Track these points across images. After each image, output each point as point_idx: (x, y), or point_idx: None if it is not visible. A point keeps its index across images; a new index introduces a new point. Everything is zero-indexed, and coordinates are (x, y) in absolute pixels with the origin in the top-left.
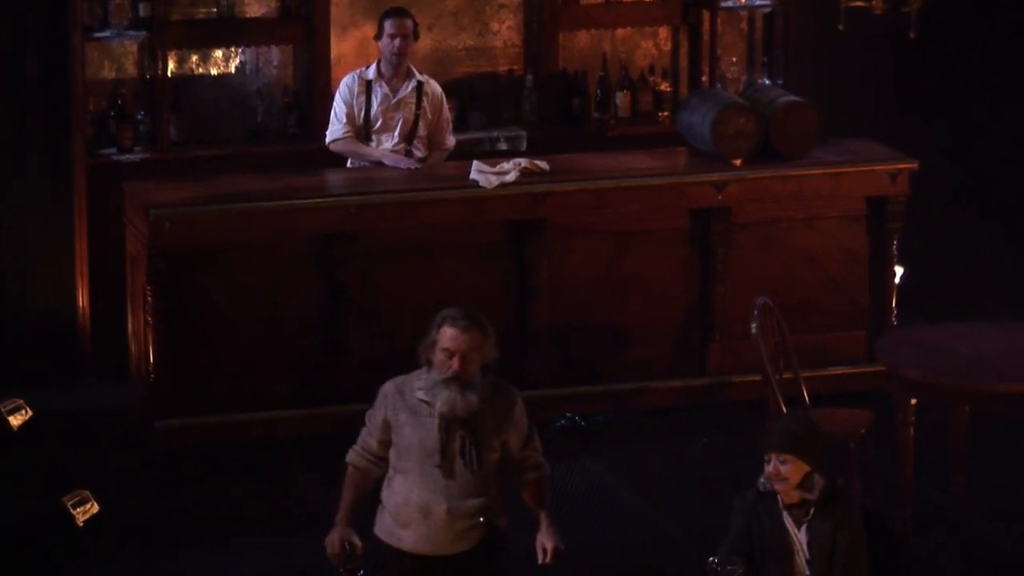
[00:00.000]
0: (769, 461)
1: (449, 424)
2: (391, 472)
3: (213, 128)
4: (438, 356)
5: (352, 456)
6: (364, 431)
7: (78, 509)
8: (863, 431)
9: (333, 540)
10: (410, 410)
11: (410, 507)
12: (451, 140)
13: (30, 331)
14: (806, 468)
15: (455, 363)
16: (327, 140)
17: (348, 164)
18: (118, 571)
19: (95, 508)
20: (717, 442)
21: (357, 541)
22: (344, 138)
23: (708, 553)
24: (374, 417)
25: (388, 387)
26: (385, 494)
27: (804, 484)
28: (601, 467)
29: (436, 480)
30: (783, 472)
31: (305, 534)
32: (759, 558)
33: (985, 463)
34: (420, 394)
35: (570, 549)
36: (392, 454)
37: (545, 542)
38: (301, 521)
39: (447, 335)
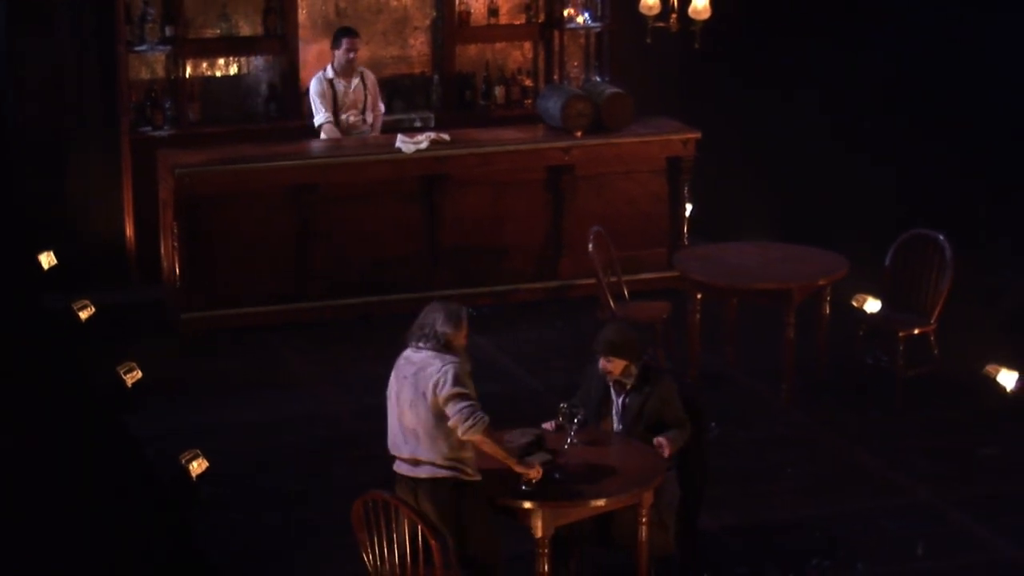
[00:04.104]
0: (600, 358)
1: None
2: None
3: (218, 113)
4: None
5: (487, 419)
6: (475, 402)
7: (127, 375)
8: (665, 317)
9: (535, 465)
10: None
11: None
12: (381, 107)
13: (94, 252)
14: (624, 363)
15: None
16: (317, 123)
17: (322, 136)
18: (157, 418)
19: (139, 374)
20: (568, 325)
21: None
22: (327, 122)
23: (559, 401)
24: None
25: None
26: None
27: (624, 373)
28: (487, 343)
29: None
30: (608, 367)
31: (285, 391)
32: (592, 413)
33: (747, 338)
34: None
35: None
36: None
37: None
38: (283, 382)
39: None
